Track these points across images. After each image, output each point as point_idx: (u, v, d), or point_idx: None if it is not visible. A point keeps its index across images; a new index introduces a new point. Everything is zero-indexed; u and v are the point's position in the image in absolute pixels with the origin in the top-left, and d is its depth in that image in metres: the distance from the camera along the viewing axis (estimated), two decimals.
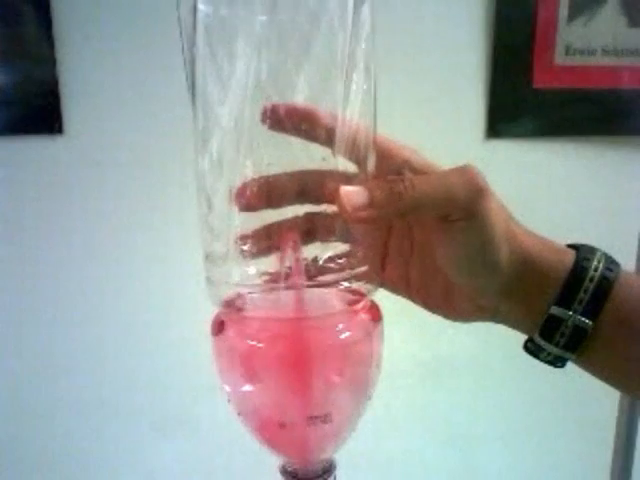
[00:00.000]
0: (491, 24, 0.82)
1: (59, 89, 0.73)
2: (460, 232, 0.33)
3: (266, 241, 0.34)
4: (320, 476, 0.37)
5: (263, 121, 0.32)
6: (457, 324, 0.85)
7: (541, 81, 0.83)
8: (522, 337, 0.85)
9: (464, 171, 0.33)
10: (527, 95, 0.84)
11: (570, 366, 0.38)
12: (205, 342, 0.35)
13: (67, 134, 0.75)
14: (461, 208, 0.32)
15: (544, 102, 0.83)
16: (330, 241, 0.35)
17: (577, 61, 0.84)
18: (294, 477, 0.37)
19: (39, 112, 0.74)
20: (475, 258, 0.34)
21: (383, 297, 0.37)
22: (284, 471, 0.38)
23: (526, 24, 0.82)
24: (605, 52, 0.83)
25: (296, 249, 0.34)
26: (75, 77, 0.74)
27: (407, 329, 0.79)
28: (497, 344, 0.85)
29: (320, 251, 0.34)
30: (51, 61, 0.73)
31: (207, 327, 0.36)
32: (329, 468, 0.38)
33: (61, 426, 0.81)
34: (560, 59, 0.83)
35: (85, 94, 0.75)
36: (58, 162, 0.75)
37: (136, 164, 0.77)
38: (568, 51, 0.83)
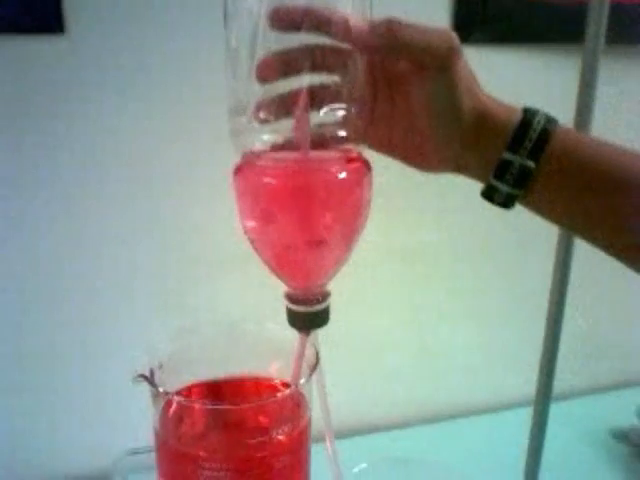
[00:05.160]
0: None
1: None
2: (432, 81, 0.42)
3: (279, 106, 0.41)
4: (318, 301, 0.45)
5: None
6: (424, 215, 0.94)
7: None
8: (486, 227, 0.97)
9: (446, 32, 0.42)
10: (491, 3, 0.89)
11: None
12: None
13: (69, 34, 0.70)
14: (437, 58, 0.41)
15: (505, 10, 0.89)
16: (329, 105, 0.41)
17: None
18: (297, 300, 0.45)
19: (38, 10, 0.69)
20: (443, 105, 0.43)
21: None
22: (289, 297, 0.46)
23: None
24: None
25: (304, 108, 0.40)
26: None
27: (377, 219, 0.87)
28: (462, 235, 0.95)
29: (319, 119, 0.41)
30: None
31: None
32: (325, 295, 0.46)
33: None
34: None
35: None
36: (59, 64, 0.72)
37: (142, 67, 0.75)
38: None
